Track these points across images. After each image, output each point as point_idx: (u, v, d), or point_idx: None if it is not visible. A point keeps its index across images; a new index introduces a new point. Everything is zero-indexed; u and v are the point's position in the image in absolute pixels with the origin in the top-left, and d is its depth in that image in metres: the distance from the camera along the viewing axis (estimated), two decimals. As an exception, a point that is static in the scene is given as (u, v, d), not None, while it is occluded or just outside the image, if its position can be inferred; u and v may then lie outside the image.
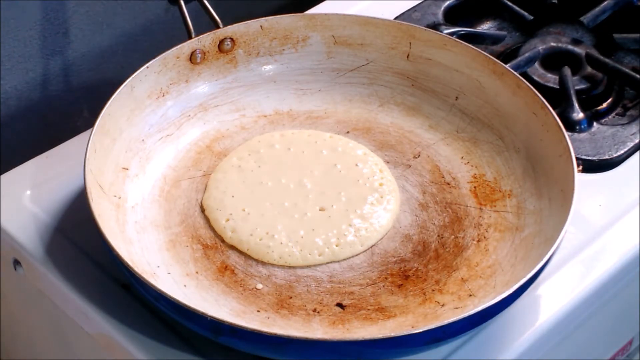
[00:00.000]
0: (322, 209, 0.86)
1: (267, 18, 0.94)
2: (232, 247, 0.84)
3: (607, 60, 1.01)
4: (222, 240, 0.85)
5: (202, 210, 0.86)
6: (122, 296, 0.82)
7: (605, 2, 1.08)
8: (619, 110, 1.00)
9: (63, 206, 0.88)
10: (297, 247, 0.83)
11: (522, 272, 0.77)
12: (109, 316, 0.80)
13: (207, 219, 0.86)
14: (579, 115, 0.96)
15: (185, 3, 0.92)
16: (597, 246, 0.87)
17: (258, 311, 0.79)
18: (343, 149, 0.91)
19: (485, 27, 1.10)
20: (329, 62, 0.97)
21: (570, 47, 1.03)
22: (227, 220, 0.85)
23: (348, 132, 0.94)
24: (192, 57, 0.92)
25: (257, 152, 0.90)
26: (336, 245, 0.84)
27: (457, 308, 0.79)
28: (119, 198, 0.85)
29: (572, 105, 0.96)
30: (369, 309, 0.80)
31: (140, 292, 0.78)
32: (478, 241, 0.85)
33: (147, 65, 0.89)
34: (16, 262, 0.88)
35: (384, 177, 0.89)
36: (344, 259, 0.83)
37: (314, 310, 0.80)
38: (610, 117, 1.00)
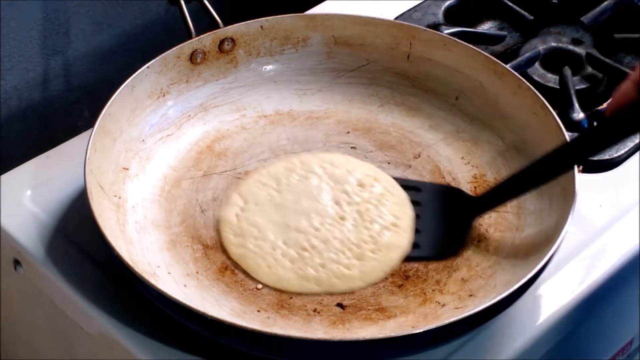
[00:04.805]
0: (334, 238, 0.83)
1: (267, 18, 0.94)
2: (233, 247, 0.84)
3: (607, 60, 1.01)
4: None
5: (217, 224, 0.85)
6: (122, 296, 0.82)
7: (606, 2, 1.08)
8: (619, 110, 1.00)
9: (63, 206, 0.88)
10: (312, 282, 0.81)
11: (523, 272, 0.77)
12: (109, 316, 0.80)
13: (216, 229, 0.85)
14: (579, 115, 0.96)
15: (185, 3, 0.92)
16: (597, 246, 0.87)
17: (258, 311, 0.79)
18: (354, 172, 0.88)
19: (486, 27, 1.10)
20: (329, 62, 0.97)
21: (570, 47, 1.03)
22: (240, 244, 0.83)
23: (348, 132, 0.94)
24: (192, 57, 0.92)
25: (273, 180, 0.88)
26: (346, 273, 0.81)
27: (457, 308, 0.79)
28: (119, 198, 0.85)
29: (572, 106, 0.96)
30: (369, 309, 0.80)
31: (140, 292, 0.78)
32: (478, 241, 0.85)
33: (147, 65, 0.89)
34: (16, 262, 0.87)
35: (402, 210, 0.85)
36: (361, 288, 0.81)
37: (314, 310, 0.80)
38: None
